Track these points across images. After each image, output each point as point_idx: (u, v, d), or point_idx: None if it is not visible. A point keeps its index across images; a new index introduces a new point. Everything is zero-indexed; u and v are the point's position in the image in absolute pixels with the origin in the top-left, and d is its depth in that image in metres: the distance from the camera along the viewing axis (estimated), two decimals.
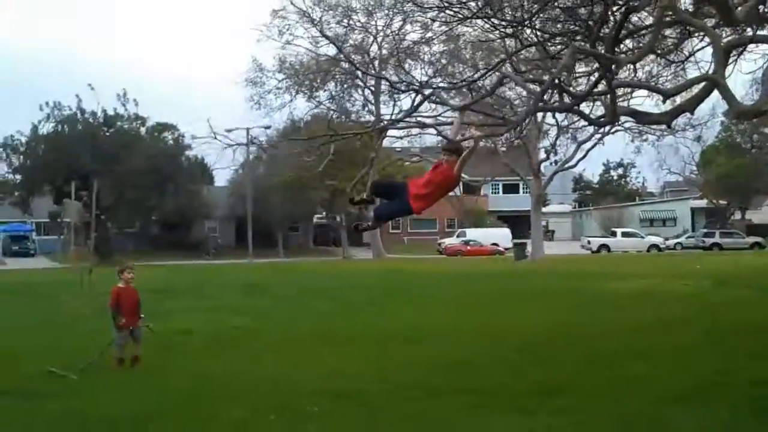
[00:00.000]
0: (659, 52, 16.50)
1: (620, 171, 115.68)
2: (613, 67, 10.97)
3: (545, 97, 12.22)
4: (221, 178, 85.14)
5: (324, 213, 78.49)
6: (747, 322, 16.22)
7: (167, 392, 10.22)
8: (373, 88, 55.27)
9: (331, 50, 51.09)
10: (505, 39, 16.47)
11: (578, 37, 13.69)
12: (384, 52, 52.68)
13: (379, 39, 52.49)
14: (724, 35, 14.26)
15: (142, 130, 65.33)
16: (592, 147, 52.29)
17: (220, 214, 76.13)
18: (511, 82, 14.32)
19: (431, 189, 8.20)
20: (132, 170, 56.75)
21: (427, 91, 17.31)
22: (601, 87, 11.36)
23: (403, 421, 8.47)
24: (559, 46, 14.72)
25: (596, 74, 12.33)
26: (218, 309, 21.06)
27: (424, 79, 49.55)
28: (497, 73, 14.57)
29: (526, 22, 13.16)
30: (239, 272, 42.44)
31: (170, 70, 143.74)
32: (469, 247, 68.47)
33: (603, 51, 10.74)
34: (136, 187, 57.89)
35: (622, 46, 13.65)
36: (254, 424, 8.43)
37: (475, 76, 18.16)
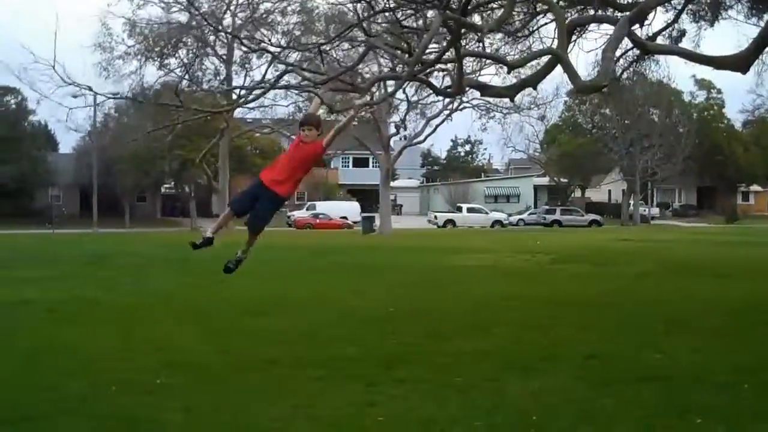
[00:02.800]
0: (508, 30, 16.92)
1: (467, 147, 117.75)
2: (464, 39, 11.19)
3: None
4: (66, 145, 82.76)
5: (172, 183, 77.19)
6: (583, 296, 16.90)
7: (4, 364, 9.94)
8: (225, 57, 54.52)
9: (184, 17, 50.16)
10: (357, 5, 16.44)
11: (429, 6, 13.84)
12: (237, 20, 52.02)
13: (233, 7, 51.77)
14: (567, 14, 14.73)
15: None
16: (441, 123, 52.98)
17: (65, 182, 73.83)
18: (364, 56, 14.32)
19: (294, 168, 7.90)
20: None
21: (287, 59, 17.24)
22: (448, 55, 11.53)
23: (244, 393, 8.49)
24: (410, 18, 14.84)
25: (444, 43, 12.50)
26: (61, 279, 20.52)
27: (278, 50, 49.24)
28: (362, 46, 14.52)
29: None
30: (84, 242, 41.36)
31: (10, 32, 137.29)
32: (318, 220, 68.65)
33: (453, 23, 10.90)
34: None
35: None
36: (94, 397, 8.29)
37: (329, 41, 18.00)
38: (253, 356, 10.41)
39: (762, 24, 16.25)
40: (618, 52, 14.43)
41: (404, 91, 47.33)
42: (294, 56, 42.56)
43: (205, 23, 43.36)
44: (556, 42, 11.27)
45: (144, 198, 78.39)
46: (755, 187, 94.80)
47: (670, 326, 12.76)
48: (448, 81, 11.94)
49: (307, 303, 15.76)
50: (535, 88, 13.54)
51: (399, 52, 13.05)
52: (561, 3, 13.20)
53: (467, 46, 14.17)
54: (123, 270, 23.98)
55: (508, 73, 11.71)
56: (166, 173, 70.09)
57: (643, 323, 13.17)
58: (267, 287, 19.13)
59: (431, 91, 19.41)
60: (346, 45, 26.92)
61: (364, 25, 12.85)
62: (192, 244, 8.24)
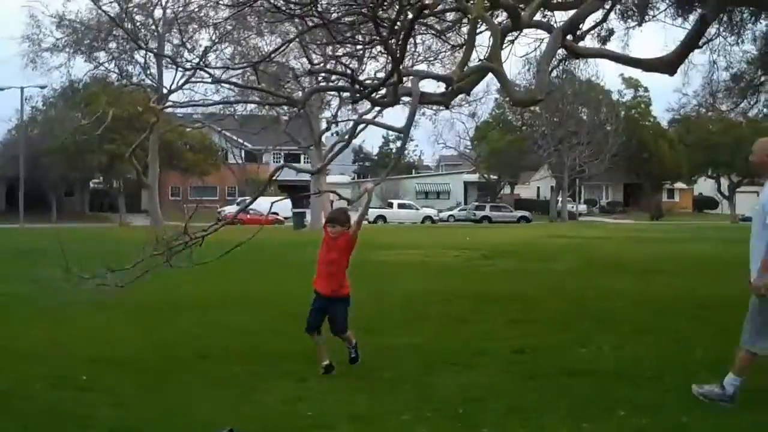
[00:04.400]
0: (440, 29, 17.03)
1: (398, 144, 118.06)
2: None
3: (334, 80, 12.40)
4: None
5: (101, 178, 76.17)
6: (512, 292, 17.10)
7: None
8: (155, 51, 53.92)
9: (114, 8, 49.41)
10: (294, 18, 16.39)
11: (364, 21, 13.87)
12: (168, 13, 51.48)
13: (164, 1, 51.24)
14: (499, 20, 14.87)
15: None
16: (373, 119, 52.96)
17: None
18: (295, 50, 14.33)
19: (340, 262, 9.18)
20: None
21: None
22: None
23: (178, 388, 8.47)
24: (347, 34, 14.89)
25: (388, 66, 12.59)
26: None
27: (209, 44, 48.84)
28: (308, 83, 14.59)
29: (308, 7, 13.19)
30: (9, 237, 40.54)
31: None
32: (249, 216, 68.27)
33: (395, 45, 11.01)
34: None
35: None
36: (17, 394, 8.17)
37: (264, 59, 17.92)
38: (186, 352, 10.38)
39: (688, 25, 16.58)
40: None
41: (338, 92, 47.18)
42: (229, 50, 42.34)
43: (131, 39, 42.88)
44: (490, 51, 11.37)
45: (72, 193, 77.16)
46: (680, 185, 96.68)
47: (597, 322, 13.01)
48: (383, 90, 12.01)
49: (239, 299, 15.73)
50: (468, 94, 13.71)
51: (342, 77, 13.08)
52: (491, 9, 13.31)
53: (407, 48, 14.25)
54: (53, 266, 23.46)
55: (447, 89, 11.80)
56: (95, 167, 69.07)
57: (571, 318, 13.40)
58: (201, 283, 18.99)
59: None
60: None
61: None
62: (326, 368, 9.10)
